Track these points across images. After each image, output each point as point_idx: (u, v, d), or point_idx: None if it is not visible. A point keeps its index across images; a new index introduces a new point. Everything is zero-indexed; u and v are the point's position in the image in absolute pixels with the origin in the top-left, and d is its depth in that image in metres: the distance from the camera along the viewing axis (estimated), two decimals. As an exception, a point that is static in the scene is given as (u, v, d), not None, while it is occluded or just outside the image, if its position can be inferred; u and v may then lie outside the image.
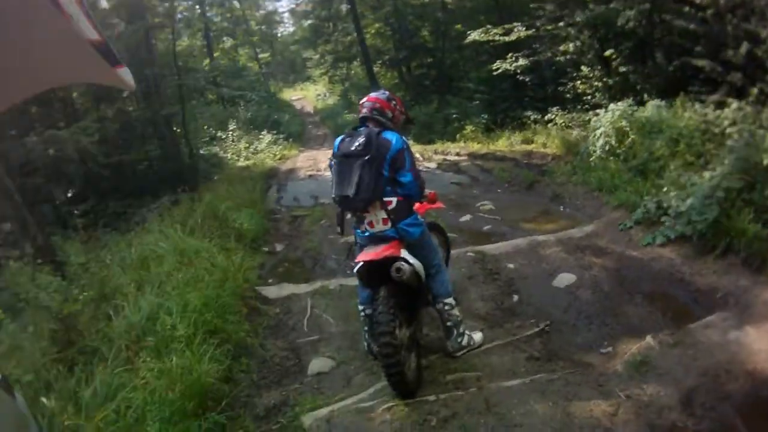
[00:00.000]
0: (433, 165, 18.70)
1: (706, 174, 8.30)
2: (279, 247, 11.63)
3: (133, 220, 14.61)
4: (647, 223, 9.11)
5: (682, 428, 4.72)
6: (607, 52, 15.70)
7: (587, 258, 8.46)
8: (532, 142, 19.29)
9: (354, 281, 7.16)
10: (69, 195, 17.46)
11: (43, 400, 5.17)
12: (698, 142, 10.26)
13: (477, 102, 24.77)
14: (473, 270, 8.45)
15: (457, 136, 22.95)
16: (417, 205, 5.79)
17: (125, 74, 1.63)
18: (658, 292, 7.35)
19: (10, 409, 1.76)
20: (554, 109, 19.38)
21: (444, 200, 13.11)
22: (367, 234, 5.64)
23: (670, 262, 7.94)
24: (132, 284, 7.98)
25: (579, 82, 17.98)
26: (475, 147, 20.86)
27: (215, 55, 41.57)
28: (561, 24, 17.82)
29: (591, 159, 13.22)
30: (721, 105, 9.87)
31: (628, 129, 12.70)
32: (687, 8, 12.03)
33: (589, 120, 14.83)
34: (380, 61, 35.35)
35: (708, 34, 11.51)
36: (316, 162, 22.22)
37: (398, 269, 5.27)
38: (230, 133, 27.58)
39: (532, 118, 20.69)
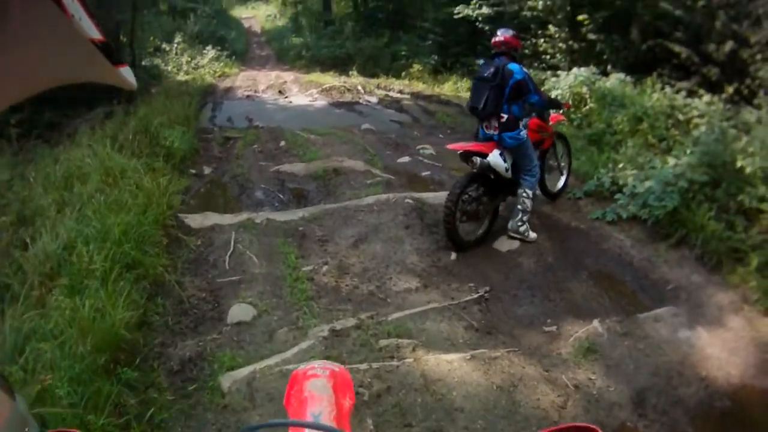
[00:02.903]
0: (374, 100, 18.17)
1: (670, 160, 8.13)
2: (207, 170, 10.92)
3: (66, 132, 13.70)
4: (598, 196, 8.81)
5: (631, 429, 4.44)
6: (581, 17, 15.20)
7: (531, 222, 8.01)
8: None
9: (280, 216, 8.26)
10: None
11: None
12: (662, 125, 10.02)
13: (429, 42, 23.78)
14: (410, 219, 7.99)
15: (403, 73, 22.29)
16: (552, 115, 8.37)
17: (127, 73, 1.53)
18: (605, 272, 7.05)
19: (9, 410, 1.62)
20: None
21: (383, 138, 12.76)
22: (482, 134, 7.38)
23: (619, 242, 7.64)
24: (53, 206, 7.42)
25: (543, 40, 17.41)
26: (420, 87, 20.33)
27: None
28: None
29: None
30: (692, 94, 9.98)
31: (587, 96, 12.33)
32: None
33: (545, 79, 14.26)
34: None
35: (691, 24, 11.47)
36: (255, 83, 21.56)
37: (472, 161, 7.07)
38: (175, 45, 26.27)
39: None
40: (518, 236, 7.51)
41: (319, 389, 1.73)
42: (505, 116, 7.06)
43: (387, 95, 19.04)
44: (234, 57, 28.65)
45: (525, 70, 7.18)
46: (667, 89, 10.73)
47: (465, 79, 19.61)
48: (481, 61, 8.28)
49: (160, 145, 10.63)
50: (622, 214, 8.04)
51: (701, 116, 9.09)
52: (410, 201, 8.42)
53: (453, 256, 7.20)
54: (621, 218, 8.04)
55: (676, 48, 11.09)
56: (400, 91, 19.68)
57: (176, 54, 25.49)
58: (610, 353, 5.27)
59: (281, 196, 9.44)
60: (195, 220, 8.10)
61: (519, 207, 7.43)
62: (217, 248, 7.40)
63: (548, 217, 8.43)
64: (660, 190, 7.70)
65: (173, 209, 8.20)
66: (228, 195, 9.76)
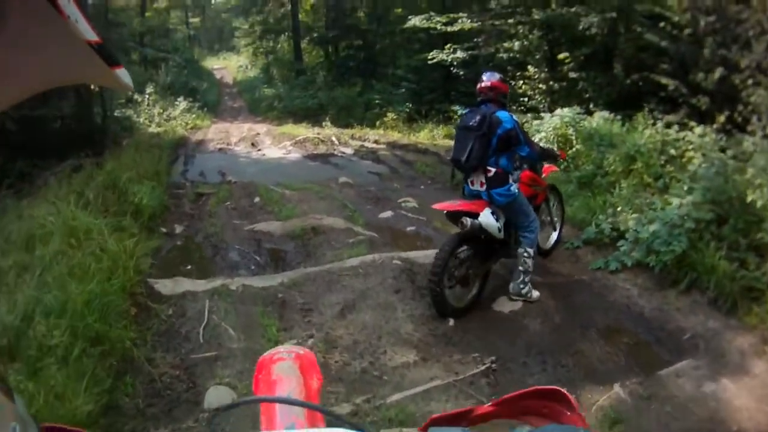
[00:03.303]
0: (349, 151, 17.81)
1: (673, 200, 7.73)
2: (178, 229, 10.30)
3: (36, 183, 13.22)
4: (598, 244, 8.44)
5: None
6: (561, 55, 15.07)
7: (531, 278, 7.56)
8: None
9: (258, 282, 7.61)
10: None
11: None
12: (656, 162, 9.59)
13: (403, 90, 23.86)
14: (401, 282, 7.30)
15: (377, 123, 22.17)
16: (545, 166, 8.00)
17: (123, 75, 1.48)
18: (616, 326, 6.58)
19: (9, 411, 1.52)
20: None
21: (362, 192, 12.30)
22: (467, 190, 6.87)
23: (626, 292, 7.22)
24: (12, 270, 6.83)
25: (522, 82, 17.16)
26: (395, 136, 20.15)
27: (147, 15, 39.56)
28: (511, 21, 17.39)
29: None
30: (682, 126, 9.62)
31: (573, 137, 11.96)
32: (662, 24, 11.54)
33: (525, 122, 13.90)
34: (308, 38, 34.36)
35: (677, 54, 11.29)
36: (227, 135, 21.25)
37: (461, 222, 6.53)
38: (147, 96, 25.69)
39: (459, 113, 19.01)
40: (520, 298, 7.00)
41: (286, 371, 1.81)
42: (493, 170, 6.55)
43: (362, 146, 18.71)
44: (206, 108, 28.48)
45: (515, 118, 6.73)
46: (659, 124, 10.37)
47: (441, 126, 19.75)
48: (463, 110, 7.92)
49: (128, 202, 10.01)
50: (626, 261, 7.65)
51: (694, 149, 8.79)
52: (398, 262, 7.82)
53: (451, 322, 6.61)
54: (625, 266, 7.63)
55: (663, 80, 10.98)
56: (376, 141, 19.39)
57: (148, 105, 25.10)
58: (637, 421, 4.91)
59: (258, 258, 8.81)
60: (166, 286, 7.43)
61: (520, 268, 6.94)
62: (190, 319, 6.73)
63: (547, 271, 7.95)
64: (666, 233, 7.32)
65: (142, 274, 7.56)
66: (201, 256, 9.15)
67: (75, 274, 6.56)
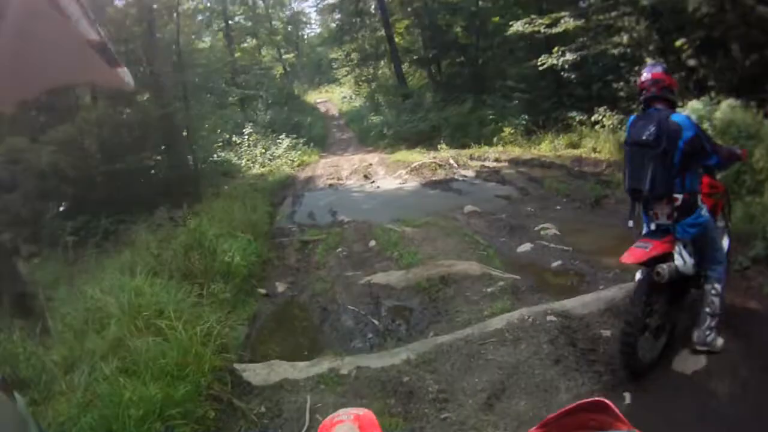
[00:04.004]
0: (470, 173, 16.72)
1: None
2: (280, 288, 9.07)
3: (121, 241, 12.59)
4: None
5: None
6: (678, 42, 13.55)
7: None
8: (579, 146, 17.38)
9: (375, 361, 6.00)
10: (60, 209, 15.92)
11: None
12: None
13: (516, 102, 22.87)
14: (559, 348, 5.74)
15: (495, 139, 21.08)
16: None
17: (124, 74, 1.67)
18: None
19: (10, 410, 1.75)
20: (601, 109, 17.32)
21: (492, 221, 10.85)
22: (648, 225, 5.69)
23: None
24: (59, 366, 5.73)
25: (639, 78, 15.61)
26: (516, 152, 18.99)
27: (237, 55, 39.64)
28: (614, 13, 16.04)
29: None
30: None
31: (711, 133, 10.24)
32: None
33: None
34: (409, 60, 33.61)
35: None
36: (337, 169, 20.36)
37: (658, 273, 5.21)
38: (246, 137, 25.65)
39: (577, 119, 18.71)
40: (705, 348, 5.52)
41: None
42: (680, 197, 5.28)
43: (483, 166, 17.68)
44: (312, 144, 27.99)
45: (694, 119, 5.49)
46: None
47: (561, 135, 18.69)
48: (630, 117, 5.96)
49: (218, 261, 8.79)
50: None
51: None
52: (553, 318, 6.18)
53: (627, 398, 5.03)
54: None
55: None
56: (497, 159, 18.40)
57: (248, 146, 24.91)
58: None
59: (375, 323, 7.35)
60: (257, 375, 5.99)
61: (707, 310, 5.50)
62: (288, 420, 5.28)
63: None
64: None
65: (228, 358, 6.14)
66: (306, 323, 7.86)
67: (133, 373, 5.32)
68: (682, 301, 5.76)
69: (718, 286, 5.54)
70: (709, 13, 12.16)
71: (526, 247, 9.29)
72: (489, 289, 7.40)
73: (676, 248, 5.38)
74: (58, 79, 2.07)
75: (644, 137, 5.26)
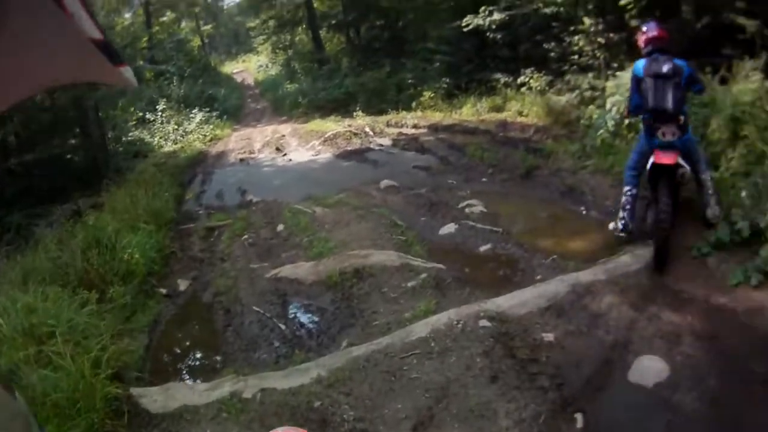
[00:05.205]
0: (387, 142, 15.80)
1: None
2: (182, 285, 8.07)
3: (33, 237, 11.28)
4: (731, 249, 6.25)
5: None
6: (623, 1, 12.69)
7: (664, 316, 5.36)
8: (504, 109, 16.61)
9: (282, 380, 5.12)
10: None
11: None
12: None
13: (437, 64, 22.28)
14: (495, 361, 4.87)
15: (413, 104, 20.58)
16: None
17: (127, 73, 1.60)
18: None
19: (10, 409, 1.75)
20: (528, 71, 16.78)
21: (411, 198, 10.00)
22: (657, 142, 6.71)
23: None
24: None
25: (576, 38, 15.03)
26: (436, 117, 18.24)
27: (155, 30, 38.40)
28: None
29: (598, 135, 10.32)
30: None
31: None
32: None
33: (580, 84, 13.13)
34: (327, 25, 32.82)
35: None
36: (250, 143, 19.37)
37: (683, 175, 6.67)
38: (159, 114, 24.44)
39: (502, 81, 18.05)
40: (717, 220, 6.68)
41: None
42: (683, 117, 6.75)
43: (401, 133, 16.81)
44: (226, 116, 27.13)
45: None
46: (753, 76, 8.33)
47: (484, 99, 17.89)
48: (638, 61, 7.31)
49: (117, 259, 7.82)
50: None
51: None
52: (486, 323, 5.26)
53: (579, 421, 4.18)
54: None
55: (740, 20, 9.65)
56: (415, 126, 17.56)
57: (162, 123, 23.80)
58: None
59: (282, 327, 6.36)
60: (155, 401, 5.04)
61: (710, 192, 6.87)
62: None
63: (675, 297, 5.75)
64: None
65: (123, 385, 5.19)
66: (208, 329, 6.90)
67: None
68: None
69: (710, 173, 6.96)
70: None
71: (449, 228, 8.38)
72: (410, 284, 6.51)
73: (679, 158, 6.60)
74: (60, 77, 1.99)
75: (665, 71, 6.70)
